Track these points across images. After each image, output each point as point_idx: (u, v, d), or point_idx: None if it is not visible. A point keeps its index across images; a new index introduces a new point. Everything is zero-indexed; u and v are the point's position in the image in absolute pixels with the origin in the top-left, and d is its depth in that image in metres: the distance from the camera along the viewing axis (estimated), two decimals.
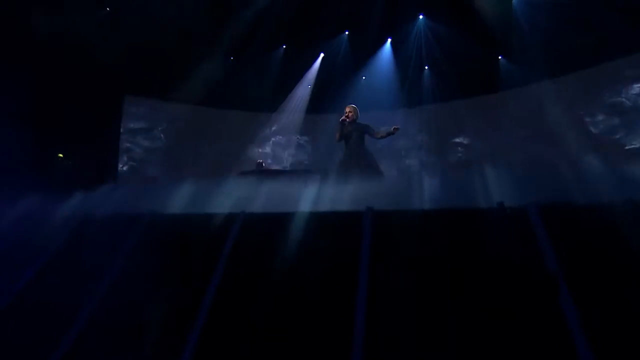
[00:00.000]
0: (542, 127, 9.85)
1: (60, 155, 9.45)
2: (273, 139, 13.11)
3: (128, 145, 11.12)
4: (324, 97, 12.37)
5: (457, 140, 11.77)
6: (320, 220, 1.77)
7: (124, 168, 10.90)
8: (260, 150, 12.92)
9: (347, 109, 4.50)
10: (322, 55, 11.97)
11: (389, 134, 4.27)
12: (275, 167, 12.21)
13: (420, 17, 10.89)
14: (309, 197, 1.89)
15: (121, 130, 10.92)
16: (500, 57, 10.89)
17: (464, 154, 11.65)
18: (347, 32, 11.39)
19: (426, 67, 11.82)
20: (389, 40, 11.48)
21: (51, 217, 2.32)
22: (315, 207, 1.82)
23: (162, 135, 11.71)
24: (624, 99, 8.96)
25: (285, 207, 1.87)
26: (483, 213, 1.61)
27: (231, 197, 2.10)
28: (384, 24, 10.41)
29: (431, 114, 11.92)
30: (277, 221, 1.83)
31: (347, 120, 4.39)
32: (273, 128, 13.06)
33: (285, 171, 6.05)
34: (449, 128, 11.75)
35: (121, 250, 1.95)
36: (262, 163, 6.68)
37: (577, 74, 9.57)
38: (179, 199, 2.17)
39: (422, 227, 1.65)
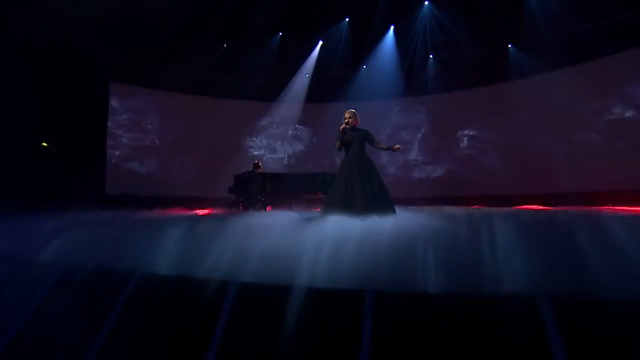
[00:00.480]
0: (551, 119, 9.65)
1: (44, 144, 9.16)
2: (269, 129, 12.81)
3: (117, 134, 10.82)
4: (323, 86, 12.03)
5: (463, 132, 11.50)
6: (317, 298, 1.62)
7: (113, 160, 10.64)
8: (255, 140, 12.65)
9: (347, 115, 4.24)
10: (320, 43, 11.49)
11: (390, 148, 4.10)
12: (271, 165, 11.98)
13: (426, 3, 10.37)
14: (308, 263, 1.74)
15: (109, 118, 10.58)
16: (510, 46, 10.47)
17: (469, 146, 11.42)
18: (347, 19, 10.87)
19: (431, 56, 11.39)
20: (392, 27, 10.99)
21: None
22: (313, 276, 1.67)
23: (152, 125, 11.40)
24: None
25: (280, 275, 1.72)
26: (494, 301, 1.47)
27: (223, 257, 1.95)
28: (387, 10, 9.92)
29: (435, 103, 11.63)
30: (270, 295, 1.68)
31: (348, 127, 4.20)
32: (270, 118, 12.75)
33: (282, 175, 5.82)
34: (454, 119, 11.47)
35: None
36: (258, 163, 6.45)
37: (592, 63, 9.21)
38: (168, 254, 2.01)
39: (425, 313, 1.51)
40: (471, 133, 11.40)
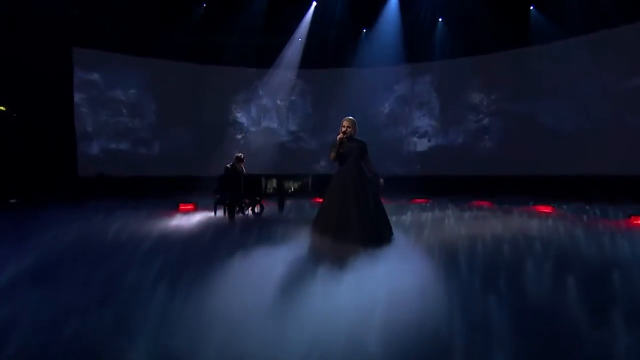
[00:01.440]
0: (569, 89, 8.95)
1: (2, 107, 8.34)
2: (259, 101, 11.96)
3: (85, 107, 9.99)
4: (318, 52, 10.99)
5: (473, 101, 10.76)
6: None
7: (84, 138, 9.90)
8: (241, 114, 11.85)
9: (345, 123, 3.83)
10: (314, 4, 10.27)
11: (376, 175, 3.79)
12: (264, 141, 11.32)
13: None
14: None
15: (74, 90, 9.68)
16: (532, 8, 9.41)
17: (478, 119, 10.76)
18: None
19: (440, 19, 10.28)
20: None
21: None
22: None
23: (127, 97, 10.52)
24: None
25: None
26: None
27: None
28: None
29: (444, 70, 10.76)
30: None
31: (346, 136, 3.78)
32: (259, 88, 11.84)
33: (269, 177, 5.26)
34: (463, 86, 10.69)
35: None
36: (241, 157, 5.90)
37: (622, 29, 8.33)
38: None
39: None
40: (482, 102, 10.68)
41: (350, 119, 3.89)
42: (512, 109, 10.10)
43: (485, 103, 10.63)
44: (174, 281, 2.52)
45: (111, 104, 10.28)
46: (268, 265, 2.95)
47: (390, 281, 2.60)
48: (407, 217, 5.46)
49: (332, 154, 3.81)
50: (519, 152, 9.68)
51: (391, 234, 3.85)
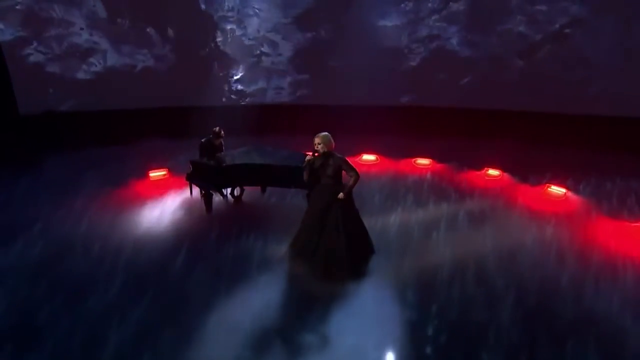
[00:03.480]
0: None
1: None
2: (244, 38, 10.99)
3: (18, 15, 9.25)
4: None
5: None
6: None
7: (24, 63, 9.36)
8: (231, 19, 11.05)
9: (316, 141, 4.05)
10: None
11: (350, 189, 4.06)
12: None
13: None
14: None
15: None
16: None
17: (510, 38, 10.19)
18: None
19: None
20: None
21: None
22: None
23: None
24: None
25: None
26: None
27: None
28: None
29: None
30: None
31: (317, 154, 4.08)
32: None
33: (252, 166, 5.29)
34: None
35: None
36: (219, 132, 5.87)
37: None
38: None
39: None
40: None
41: (322, 135, 4.12)
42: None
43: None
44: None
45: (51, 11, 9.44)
46: (240, 318, 3.44)
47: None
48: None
49: (305, 174, 4.19)
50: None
51: (372, 251, 4.41)
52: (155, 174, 7.23)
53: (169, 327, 3.23)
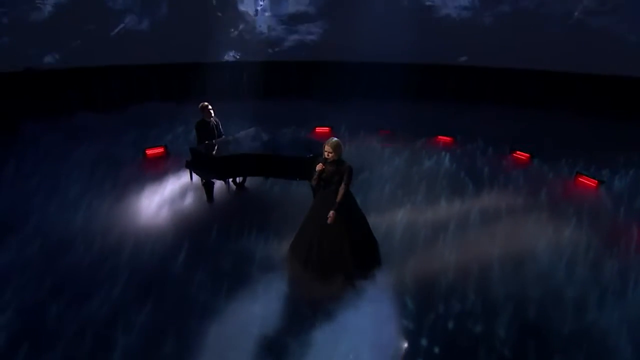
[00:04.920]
0: None
1: None
2: None
3: None
4: None
5: None
6: None
7: None
8: None
9: (327, 149, 4.43)
10: None
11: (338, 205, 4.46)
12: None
13: None
14: None
15: None
16: None
17: None
18: None
19: None
20: None
21: None
22: None
23: None
24: None
25: None
26: None
27: None
28: None
29: None
30: None
31: (328, 162, 4.48)
32: None
33: (251, 156, 5.63)
34: None
35: None
36: (205, 107, 6.18)
37: None
38: None
39: None
40: None
41: (333, 142, 4.49)
42: None
43: None
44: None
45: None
46: (239, 324, 4.05)
47: None
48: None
49: (314, 181, 4.60)
50: None
51: (379, 263, 4.89)
52: (153, 151, 7.80)
53: (172, 332, 3.85)
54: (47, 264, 4.81)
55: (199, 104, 6.38)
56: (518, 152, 8.10)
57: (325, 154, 4.46)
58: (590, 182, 6.93)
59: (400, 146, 8.46)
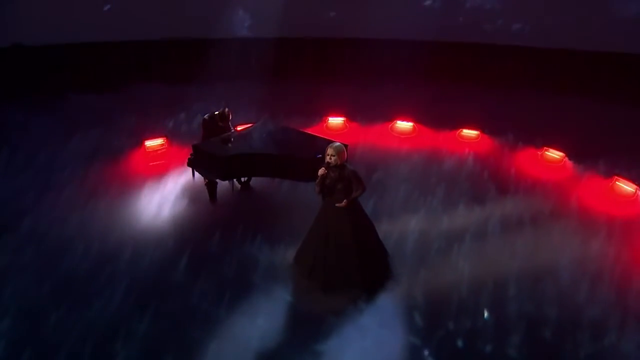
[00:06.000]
0: None
1: None
2: None
3: None
4: None
5: None
6: None
7: None
8: None
9: (329, 152, 4.71)
10: None
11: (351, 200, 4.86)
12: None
13: None
14: None
15: None
16: None
17: None
18: None
19: None
20: None
21: None
22: None
23: None
24: None
25: None
26: None
27: None
28: None
29: None
30: None
31: (331, 167, 4.79)
32: None
33: (262, 157, 6.11)
34: None
35: None
36: (226, 114, 6.49)
37: None
38: None
39: None
40: None
41: (336, 146, 4.81)
42: None
43: None
44: None
45: None
46: (242, 334, 4.51)
47: None
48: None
49: (317, 188, 4.95)
50: None
51: (386, 258, 5.35)
52: (152, 143, 8.16)
53: (172, 343, 4.32)
54: (43, 270, 5.27)
55: (222, 110, 6.72)
56: (551, 148, 8.27)
57: (328, 157, 4.75)
58: (630, 187, 7.08)
59: (419, 140, 8.75)
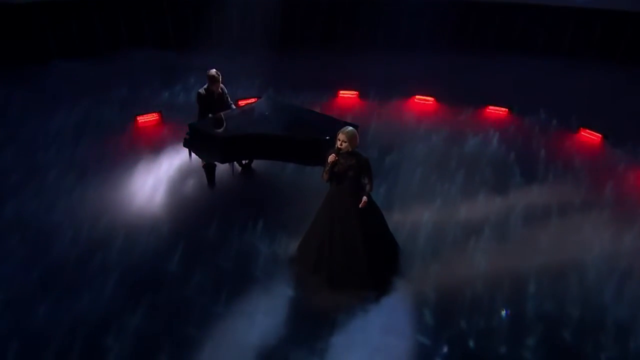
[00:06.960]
0: None
1: None
2: None
3: None
4: None
5: None
6: None
7: None
8: None
9: (341, 138, 4.85)
10: None
11: (366, 194, 5.02)
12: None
13: None
14: None
15: None
16: None
17: None
18: None
19: None
20: None
21: None
22: None
23: None
24: None
25: None
26: None
27: None
28: None
29: None
30: None
31: (341, 153, 4.92)
32: None
33: (262, 137, 6.15)
34: None
35: None
36: (215, 75, 6.54)
37: None
38: None
39: None
40: None
41: (348, 131, 4.94)
42: None
43: None
44: None
45: None
46: (240, 332, 4.72)
47: None
48: None
49: (325, 175, 5.08)
50: None
51: (397, 251, 5.56)
52: (145, 118, 8.40)
53: (167, 339, 4.54)
54: (29, 258, 5.49)
55: (207, 70, 6.76)
56: (587, 130, 8.30)
57: (339, 143, 4.89)
58: None
59: (440, 119, 8.83)
